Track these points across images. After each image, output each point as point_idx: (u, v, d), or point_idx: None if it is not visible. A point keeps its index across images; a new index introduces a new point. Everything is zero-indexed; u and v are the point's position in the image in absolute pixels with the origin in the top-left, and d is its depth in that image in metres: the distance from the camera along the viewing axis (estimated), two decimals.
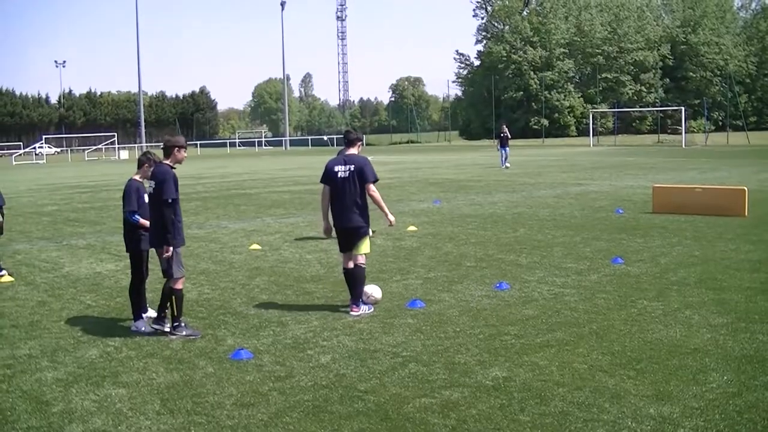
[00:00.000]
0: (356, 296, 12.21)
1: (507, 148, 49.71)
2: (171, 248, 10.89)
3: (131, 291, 11.70)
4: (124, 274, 15.30)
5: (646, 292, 12.80)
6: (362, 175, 12.11)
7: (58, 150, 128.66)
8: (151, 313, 12.05)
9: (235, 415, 7.93)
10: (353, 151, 12.50)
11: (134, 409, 8.20)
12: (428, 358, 9.61)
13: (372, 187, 12.16)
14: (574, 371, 8.95)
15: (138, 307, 11.59)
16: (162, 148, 11.32)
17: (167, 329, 11.08)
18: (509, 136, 50.65)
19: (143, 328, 11.35)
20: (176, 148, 11.09)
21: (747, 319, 10.98)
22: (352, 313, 12.04)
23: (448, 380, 8.78)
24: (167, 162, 11.06)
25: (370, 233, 12.94)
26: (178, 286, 11.04)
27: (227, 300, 13.25)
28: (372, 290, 12.49)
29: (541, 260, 16.01)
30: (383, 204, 12.38)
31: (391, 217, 12.59)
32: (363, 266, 12.32)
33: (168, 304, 11.03)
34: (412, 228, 21.09)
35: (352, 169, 12.14)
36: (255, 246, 18.92)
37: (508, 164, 48.69)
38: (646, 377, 8.65)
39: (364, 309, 12.15)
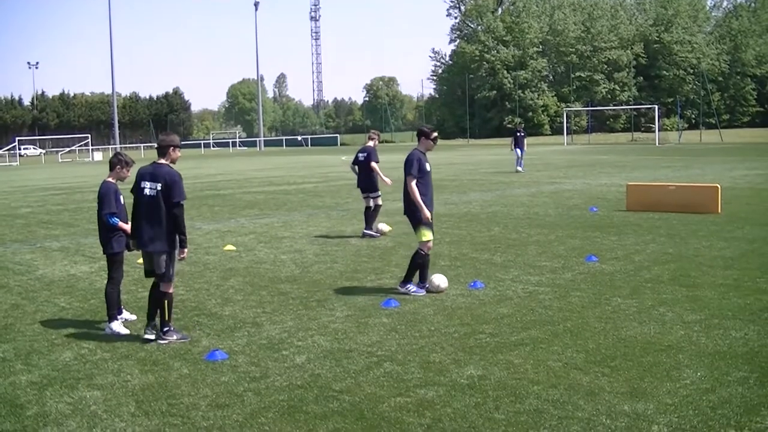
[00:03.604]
0: (405, 277, 13.45)
1: (523, 150, 43.82)
2: (186, 250, 10.80)
3: (106, 293, 11.61)
4: (99, 276, 15.23)
5: (620, 290, 12.86)
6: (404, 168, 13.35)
7: (43, 151, 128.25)
8: (126, 315, 12.01)
9: (210, 416, 7.91)
10: (419, 145, 13.63)
11: (109, 411, 8.17)
12: (403, 358, 9.62)
13: (406, 181, 13.18)
14: (548, 369, 8.98)
15: (112, 309, 11.51)
16: (157, 148, 11.09)
17: (175, 337, 10.86)
18: (525, 133, 44.99)
19: (118, 330, 11.29)
20: (172, 148, 10.85)
21: (720, 315, 11.05)
22: (399, 288, 13.38)
23: (423, 379, 8.79)
24: (165, 162, 10.81)
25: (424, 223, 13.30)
26: (171, 289, 10.84)
27: (202, 301, 13.22)
28: (436, 279, 13.41)
29: (515, 259, 16.05)
30: (416, 198, 13.13)
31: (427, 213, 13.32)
32: (419, 252, 13.33)
33: (159, 309, 10.77)
34: (386, 228, 21.08)
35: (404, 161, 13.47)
36: (229, 247, 18.88)
37: (520, 168, 43.34)
38: (621, 374, 8.69)
39: (410, 288, 13.25)
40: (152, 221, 10.67)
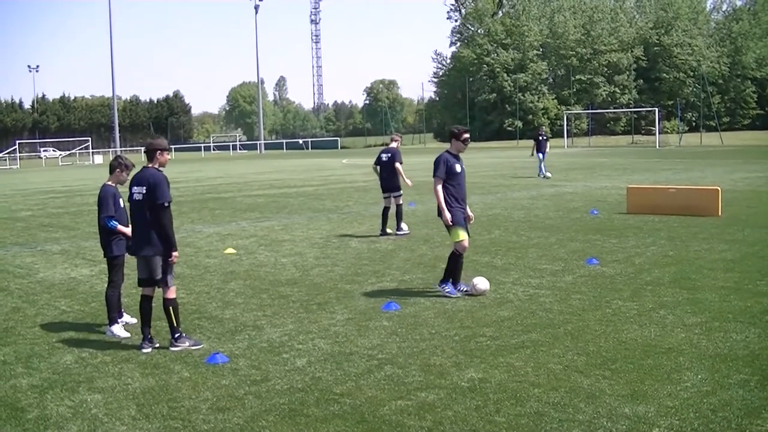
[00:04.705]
0: (444, 276, 13.44)
1: (544, 154, 41.12)
2: (176, 254, 10.61)
3: (107, 296, 11.60)
4: (99, 279, 15.24)
5: (621, 293, 12.86)
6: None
7: (62, 153, 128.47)
8: (127, 318, 12.00)
9: (210, 419, 7.91)
10: (450, 146, 13.53)
11: (110, 414, 8.17)
12: (404, 361, 9.62)
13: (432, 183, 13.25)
14: (549, 372, 8.98)
15: (113, 312, 11.51)
16: (144, 152, 11.02)
17: (188, 344, 10.67)
18: (548, 137, 42.10)
19: (118, 334, 11.28)
20: (158, 151, 10.70)
21: (721, 318, 11.05)
22: (438, 287, 13.43)
23: (424, 382, 8.79)
24: (152, 166, 10.68)
25: (450, 222, 13.13)
26: (173, 295, 10.67)
27: (202, 304, 13.22)
28: (478, 281, 13.30)
29: (516, 262, 16.05)
30: (439, 201, 13.17)
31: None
32: (454, 253, 13.32)
33: (166, 316, 10.62)
34: (387, 230, 21.12)
35: None
36: (230, 250, 18.88)
37: (548, 173, 40.51)
38: (621, 377, 8.69)
39: (445, 288, 13.25)
40: (141, 225, 10.60)
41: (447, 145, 13.66)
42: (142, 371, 9.63)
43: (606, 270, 14.83)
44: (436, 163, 13.14)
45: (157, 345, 10.76)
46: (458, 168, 13.18)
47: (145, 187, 10.49)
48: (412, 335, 10.77)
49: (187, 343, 10.61)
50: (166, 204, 10.43)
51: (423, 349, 10.11)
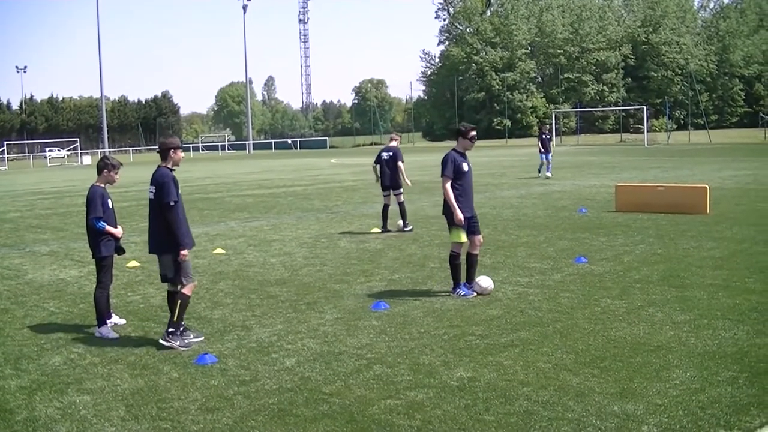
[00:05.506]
0: (453, 282, 13.23)
1: (550, 154, 39.75)
2: (185, 252, 10.62)
3: (96, 297, 11.57)
4: (88, 280, 15.20)
5: (610, 291, 12.87)
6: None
7: (67, 153, 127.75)
8: (116, 319, 11.97)
9: (200, 419, 7.90)
10: (457, 145, 13.34)
11: (99, 415, 8.15)
12: (393, 360, 9.61)
13: (441, 182, 13.11)
14: (538, 370, 8.98)
15: (102, 313, 11.48)
16: (158, 152, 11.09)
17: (193, 338, 10.79)
18: (551, 137, 39.00)
19: (107, 334, 11.26)
20: (172, 150, 10.80)
21: (709, 315, 11.07)
22: (451, 294, 13.13)
23: (413, 381, 8.78)
24: (165, 165, 10.78)
25: (461, 221, 13.02)
26: (188, 292, 10.74)
27: (191, 304, 13.05)
28: (481, 280, 13.17)
29: (504, 260, 16.06)
30: (450, 200, 12.99)
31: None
32: (452, 253, 13.28)
33: (172, 307, 10.70)
34: (375, 229, 21.13)
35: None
36: (219, 250, 18.85)
37: (549, 173, 39.22)
38: (610, 375, 8.70)
39: (459, 292, 13.02)
40: (151, 223, 10.83)
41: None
42: (131, 372, 9.61)
43: (595, 268, 14.85)
44: (444, 161, 13.02)
45: (202, 337, 10.90)
46: (465, 167, 13.05)
47: (155, 187, 10.66)
48: (401, 334, 10.77)
49: (177, 343, 10.58)
50: (172, 203, 10.52)
51: (412, 348, 10.11)
